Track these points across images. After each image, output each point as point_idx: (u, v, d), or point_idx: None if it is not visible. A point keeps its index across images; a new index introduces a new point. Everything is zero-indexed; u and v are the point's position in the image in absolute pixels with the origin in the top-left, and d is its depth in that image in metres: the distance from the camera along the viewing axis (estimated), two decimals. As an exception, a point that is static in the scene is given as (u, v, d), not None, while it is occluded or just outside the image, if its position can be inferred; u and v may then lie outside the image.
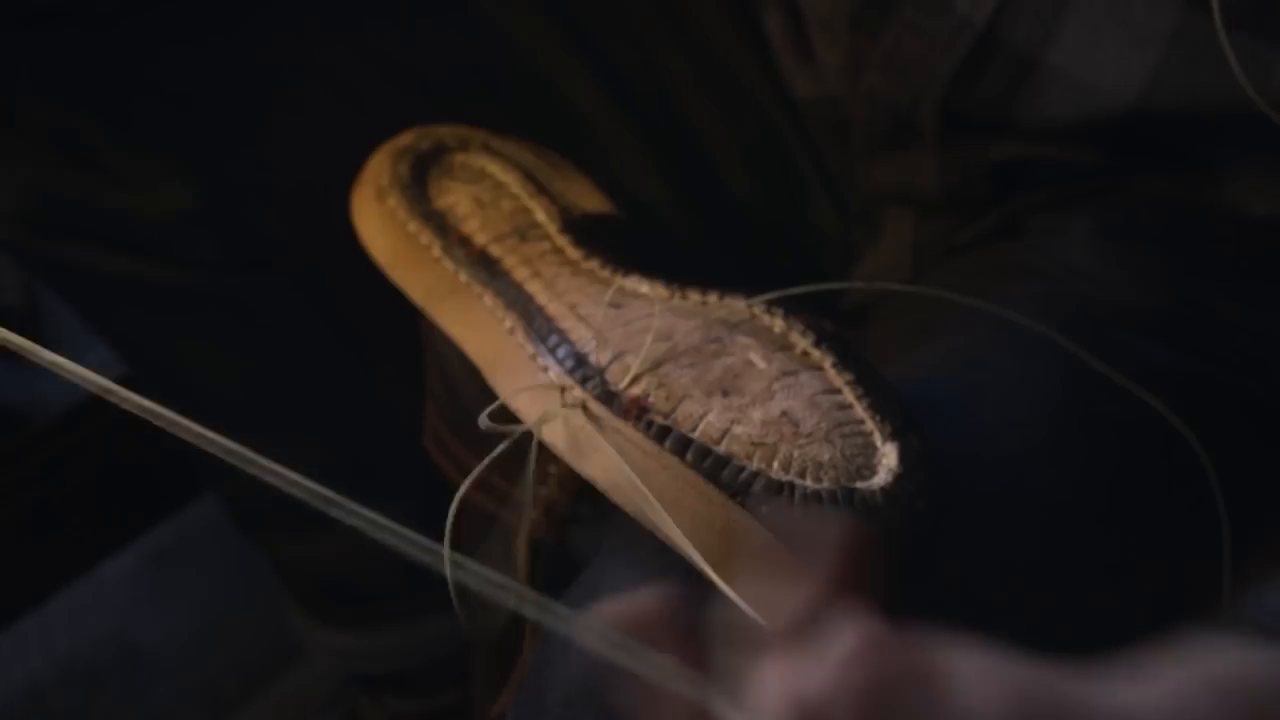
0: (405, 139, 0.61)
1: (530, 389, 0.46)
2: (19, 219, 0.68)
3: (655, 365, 0.45)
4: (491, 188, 0.59)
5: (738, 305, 0.48)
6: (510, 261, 0.54)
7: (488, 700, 0.70)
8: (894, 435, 0.42)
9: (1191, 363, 0.55)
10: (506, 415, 0.46)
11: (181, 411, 0.87)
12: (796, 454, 0.41)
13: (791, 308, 0.47)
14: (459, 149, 0.61)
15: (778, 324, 0.47)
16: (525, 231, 0.56)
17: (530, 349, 0.48)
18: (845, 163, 0.70)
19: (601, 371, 0.45)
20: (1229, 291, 0.58)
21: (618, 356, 0.45)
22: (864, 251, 0.71)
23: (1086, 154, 0.60)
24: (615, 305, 0.49)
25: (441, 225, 0.56)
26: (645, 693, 0.28)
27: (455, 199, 0.57)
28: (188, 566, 1.16)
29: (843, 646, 0.26)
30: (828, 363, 0.45)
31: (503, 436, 0.45)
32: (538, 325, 0.49)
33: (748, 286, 0.48)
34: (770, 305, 0.47)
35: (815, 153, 0.72)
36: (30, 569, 0.98)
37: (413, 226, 0.56)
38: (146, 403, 0.33)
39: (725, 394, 0.43)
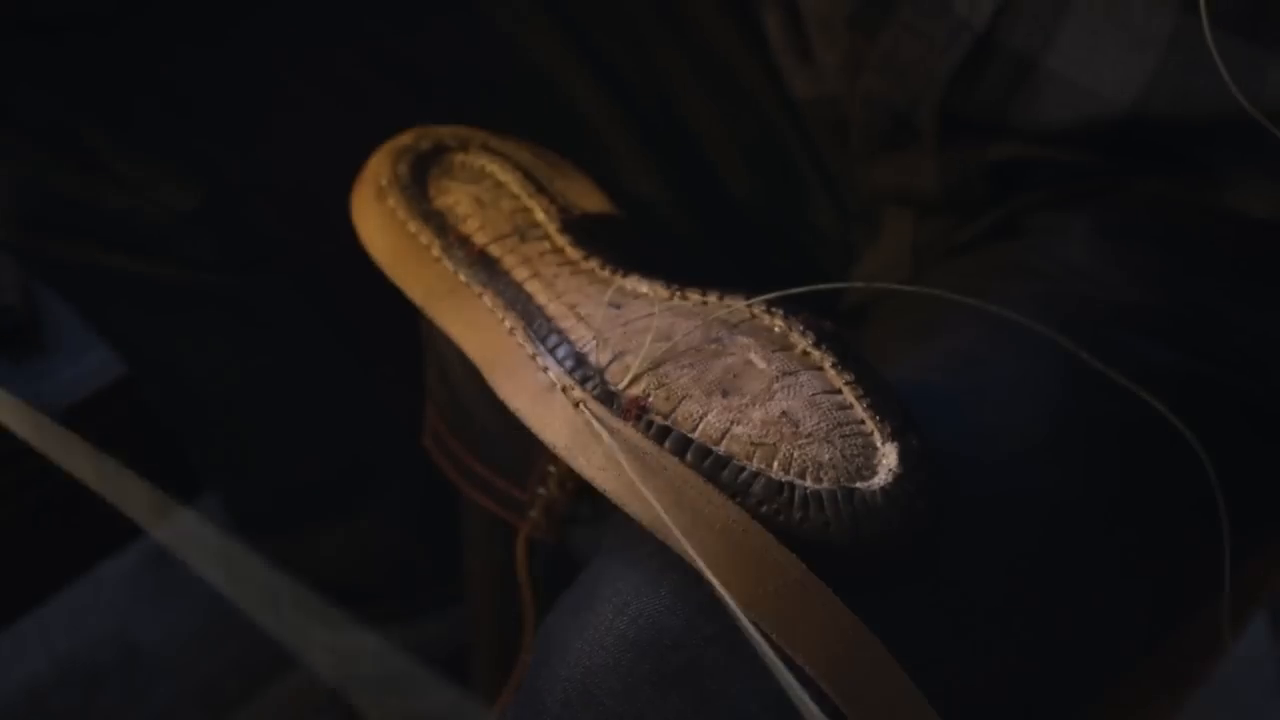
0: (405, 139, 0.61)
1: (531, 390, 0.46)
2: (19, 219, 0.68)
3: (655, 365, 0.45)
4: (491, 188, 0.59)
5: (738, 305, 0.48)
6: (510, 261, 0.54)
7: (487, 700, 0.71)
8: (894, 435, 0.42)
9: (1191, 363, 0.55)
10: (512, 417, 0.46)
11: (181, 410, 0.87)
12: (796, 454, 0.41)
13: (791, 308, 0.47)
14: (459, 149, 0.61)
15: (778, 324, 0.47)
16: (525, 231, 0.56)
17: (530, 349, 0.48)
18: (844, 163, 0.70)
19: (601, 372, 0.45)
20: (1229, 292, 0.58)
21: (617, 356, 0.45)
22: (864, 251, 0.71)
23: (1085, 155, 0.60)
24: (615, 305, 0.49)
25: (441, 225, 0.56)
26: None
27: (455, 199, 0.57)
28: (188, 566, 1.16)
29: None
30: (828, 363, 0.45)
31: (508, 440, 0.45)
32: (537, 325, 0.49)
33: (748, 286, 0.48)
34: (770, 305, 0.47)
35: (815, 153, 0.72)
36: (30, 569, 0.98)
37: (412, 226, 0.56)
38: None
39: (725, 394, 0.43)
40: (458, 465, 0.59)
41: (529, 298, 0.51)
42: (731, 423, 0.42)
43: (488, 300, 0.52)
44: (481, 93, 0.70)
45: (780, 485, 0.40)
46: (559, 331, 0.48)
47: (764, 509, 0.40)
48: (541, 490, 0.54)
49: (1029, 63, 0.58)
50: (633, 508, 0.41)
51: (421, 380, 0.61)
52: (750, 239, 0.74)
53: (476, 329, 0.51)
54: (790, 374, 0.44)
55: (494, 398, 0.47)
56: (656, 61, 0.72)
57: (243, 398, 0.76)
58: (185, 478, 0.84)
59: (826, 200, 0.72)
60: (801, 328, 0.46)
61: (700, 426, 0.42)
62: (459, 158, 0.60)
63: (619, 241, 0.56)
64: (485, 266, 0.54)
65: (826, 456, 0.41)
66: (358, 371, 0.78)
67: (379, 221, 0.57)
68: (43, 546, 0.98)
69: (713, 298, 0.49)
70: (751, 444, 0.42)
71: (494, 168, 0.60)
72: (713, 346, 0.46)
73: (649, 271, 0.51)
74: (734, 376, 0.44)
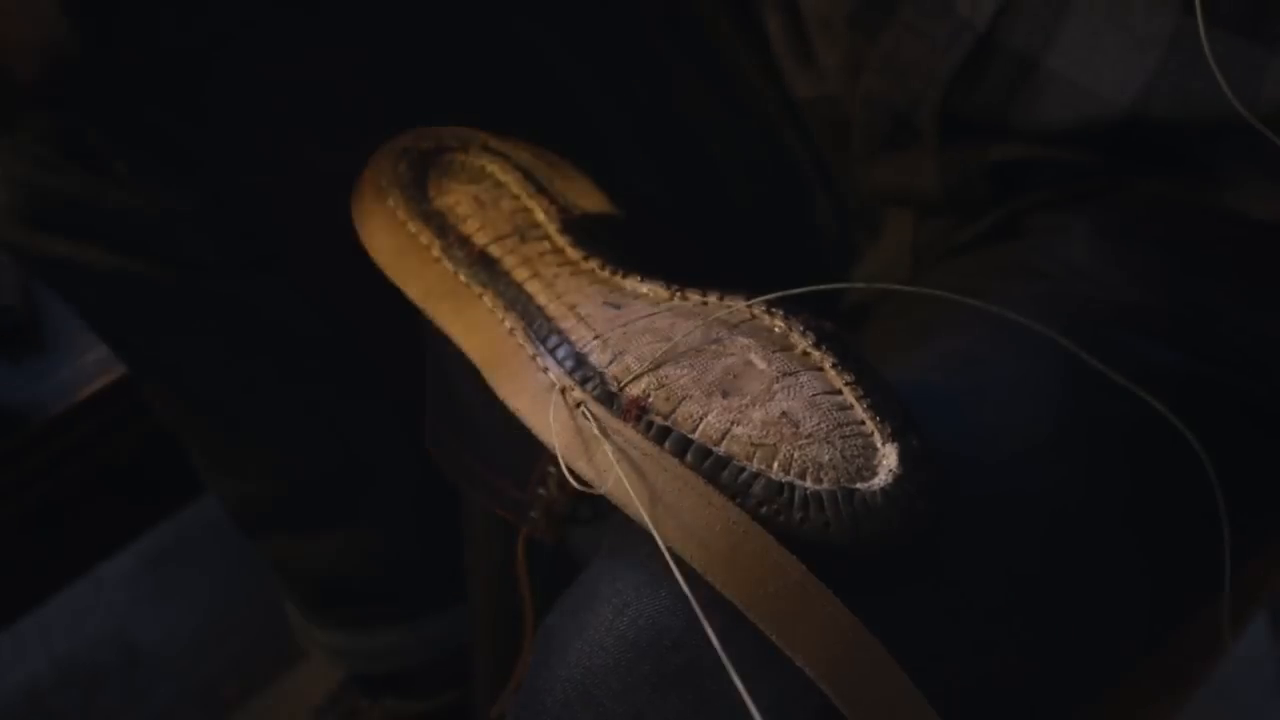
0: (405, 139, 0.61)
1: (531, 390, 0.46)
2: (19, 218, 0.68)
3: (655, 366, 0.45)
4: (491, 188, 0.59)
5: (738, 305, 0.48)
6: (510, 262, 0.54)
7: (487, 701, 0.71)
8: (894, 436, 0.42)
9: (1192, 363, 0.55)
10: (512, 417, 0.46)
11: (181, 410, 0.87)
12: (796, 455, 0.41)
13: (791, 308, 0.47)
14: (459, 149, 0.61)
15: (778, 324, 0.47)
16: (525, 232, 0.56)
17: (530, 349, 0.48)
18: (845, 163, 0.70)
19: (601, 372, 0.45)
20: (1229, 292, 0.58)
21: (617, 357, 0.45)
22: (864, 252, 0.71)
23: (1086, 156, 0.60)
24: (615, 306, 0.49)
25: (441, 225, 0.56)
26: None
27: (455, 199, 0.57)
28: (188, 566, 1.17)
29: None
30: (828, 363, 0.45)
31: (508, 440, 0.45)
32: (537, 325, 0.49)
33: (748, 287, 0.48)
34: (770, 305, 0.47)
35: (815, 153, 0.72)
36: (30, 569, 0.98)
37: (412, 226, 0.56)
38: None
39: (725, 394, 0.43)
40: (458, 465, 0.59)
41: (529, 298, 0.51)
42: (732, 423, 0.42)
43: (488, 300, 0.52)
44: (482, 93, 0.70)
45: (780, 486, 0.40)
46: (559, 332, 0.48)
47: (764, 510, 0.40)
48: (541, 490, 0.54)
49: (1030, 63, 0.58)
50: (632, 509, 0.41)
51: (421, 380, 0.61)
52: (750, 239, 0.74)
53: (476, 329, 0.51)
54: (790, 374, 0.44)
55: (494, 398, 0.47)
56: (657, 62, 0.72)
57: (242, 397, 0.76)
58: (185, 478, 0.84)
59: (827, 200, 0.72)
60: (802, 328, 0.46)
61: (700, 427, 0.42)
62: (459, 158, 0.60)
63: (619, 242, 0.56)
64: (485, 267, 0.54)
65: (826, 457, 0.41)
66: (357, 371, 0.78)
67: (379, 221, 0.57)
68: (43, 546, 0.98)
69: (713, 298, 0.49)
70: (752, 444, 0.42)
71: (494, 168, 0.60)
72: (713, 347, 0.45)
73: (649, 272, 0.51)
74: (734, 377, 0.44)
